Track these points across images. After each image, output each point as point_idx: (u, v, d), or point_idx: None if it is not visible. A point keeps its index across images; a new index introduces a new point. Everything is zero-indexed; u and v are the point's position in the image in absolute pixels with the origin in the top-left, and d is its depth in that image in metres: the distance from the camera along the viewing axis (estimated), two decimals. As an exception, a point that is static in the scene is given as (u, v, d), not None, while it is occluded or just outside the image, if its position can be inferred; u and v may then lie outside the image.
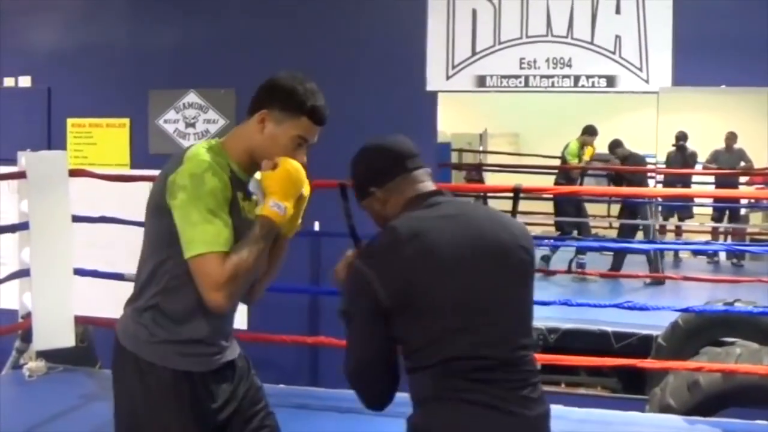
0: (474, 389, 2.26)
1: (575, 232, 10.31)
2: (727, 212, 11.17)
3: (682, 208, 11.30)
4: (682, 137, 10.82)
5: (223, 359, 2.76)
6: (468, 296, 2.29)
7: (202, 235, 2.52)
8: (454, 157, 12.97)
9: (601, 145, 10.82)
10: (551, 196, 8.95)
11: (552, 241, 9.21)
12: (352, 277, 2.35)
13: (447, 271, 2.28)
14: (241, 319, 6.79)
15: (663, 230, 10.93)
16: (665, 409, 5.11)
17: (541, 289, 8.26)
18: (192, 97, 7.25)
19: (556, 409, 4.97)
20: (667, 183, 10.50)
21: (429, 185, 2.51)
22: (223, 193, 2.57)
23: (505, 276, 2.36)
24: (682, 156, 10.94)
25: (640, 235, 10.06)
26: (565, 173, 10.80)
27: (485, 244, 2.34)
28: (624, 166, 10.48)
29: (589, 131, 10.67)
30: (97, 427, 4.69)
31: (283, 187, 2.62)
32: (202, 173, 2.55)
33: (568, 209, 10.35)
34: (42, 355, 5.68)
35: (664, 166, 10.56)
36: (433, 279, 2.27)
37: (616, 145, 10.65)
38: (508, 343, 2.34)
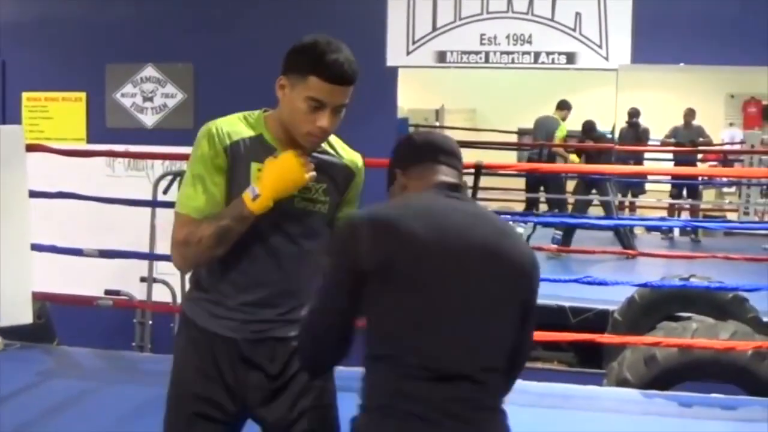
0: (429, 402, 2.11)
1: (556, 210, 10.34)
2: (685, 189, 11.28)
3: (636, 185, 11.42)
4: (634, 114, 10.90)
5: (264, 333, 2.62)
6: (454, 297, 2.14)
7: (180, 197, 2.59)
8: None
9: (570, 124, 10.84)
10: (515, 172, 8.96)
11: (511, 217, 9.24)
12: (346, 228, 2.25)
13: (448, 260, 2.14)
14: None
15: (620, 207, 11.02)
16: (622, 383, 5.15)
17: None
18: (150, 71, 7.20)
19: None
20: (619, 159, 10.51)
21: (453, 179, 2.34)
22: (213, 160, 2.54)
23: (499, 297, 2.20)
24: (634, 132, 11.04)
25: (596, 212, 10.12)
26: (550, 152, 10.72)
27: (494, 257, 2.19)
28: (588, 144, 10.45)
29: (566, 106, 10.61)
30: (55, 404, 4.66)
31: (269, 177, 2.52)
32: (200, 139, 2.57)
33: (553, 187, 10.31)
34: (3, 332, 5.63)
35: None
36: (429, 262, 2.13)
37: (590, 128, 10.63)
38: (478, 360, 2.17)
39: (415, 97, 12.65)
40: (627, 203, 11.53)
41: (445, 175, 2.34)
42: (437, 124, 13.38)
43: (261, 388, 2.63)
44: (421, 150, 2.40)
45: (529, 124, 11.21)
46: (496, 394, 2.25)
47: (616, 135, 10.23)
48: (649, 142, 11.72)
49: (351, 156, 2.80)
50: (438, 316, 2.14)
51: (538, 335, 5.64)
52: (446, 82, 12.20)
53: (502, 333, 2.22)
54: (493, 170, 6.00)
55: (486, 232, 2.21)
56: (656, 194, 11.66)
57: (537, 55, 6.16)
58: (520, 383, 4.95)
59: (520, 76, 7.95)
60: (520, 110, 11.08)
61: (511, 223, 2.58)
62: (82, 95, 7.40)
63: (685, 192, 11.33)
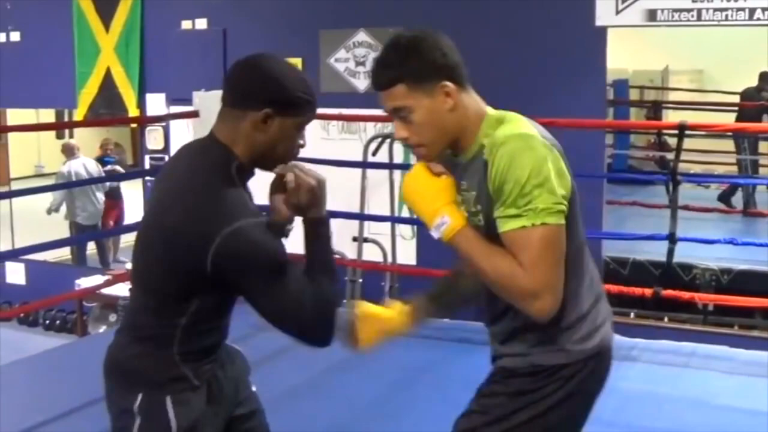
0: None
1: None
2: None
3: None
4: None
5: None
6: None
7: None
8: (634, 94, 12.71)
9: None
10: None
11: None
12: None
13: None
14: (409, 254, 6.96)
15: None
16: None
17: (713, 228, 7.99)
18: (362, 35, 7.33)
19: (721, 350, 4.92)
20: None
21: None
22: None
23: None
24: None
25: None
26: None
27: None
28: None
29: None
30: (266, 355, 4.86)
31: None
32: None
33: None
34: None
35: None
36: None
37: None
38: None
39: (638, 57, 12.37)
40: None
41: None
42: (662, 85, 13.05)
43: None
44: None
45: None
46: None
47: None
48: None
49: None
50: None
51: (755, 302, 5.47)
52: (672, 41, 11.85)
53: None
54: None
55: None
56: None
57: (752, 11, 5.86)
58: (725, 349, 4.84)
59: (748, 34, 7.61)
60: (753, 69, 10.54)
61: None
62: (298, 61, 7.60)
63: None
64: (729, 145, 10.06)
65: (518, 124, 2.18)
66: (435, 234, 2.19)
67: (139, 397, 2.23)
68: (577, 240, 2.22)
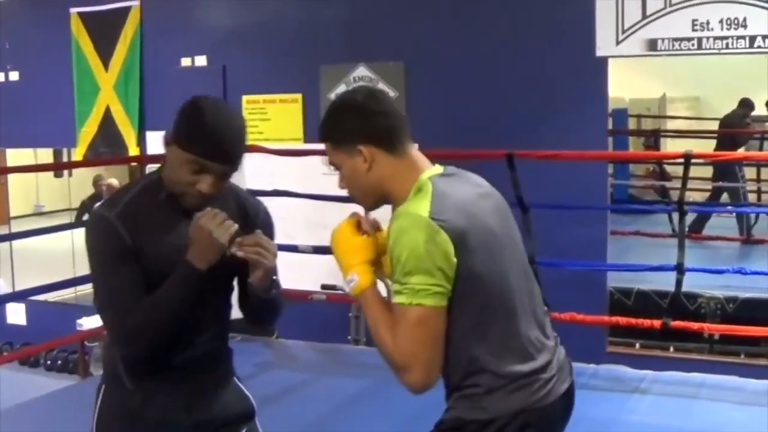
0: None
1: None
2: None
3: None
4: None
5: None
6: None
7: None
8: (632, 123, 12.72)
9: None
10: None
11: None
12: None
13: None
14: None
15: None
16: None
17: (713, 256, 7.95)
18: (362, 70, 7.34)
19: (731, 380, 4.89)
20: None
21: None
22: None
23: None
24: None
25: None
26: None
27: None
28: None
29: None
30: (275, 393, 4.84)
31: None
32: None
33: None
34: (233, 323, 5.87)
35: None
36: None
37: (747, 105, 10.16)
38: None
39: (635, 86, 12.39)
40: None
41: None
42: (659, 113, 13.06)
43: None
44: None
45: (757, 112, 10.72)
46: None
47: None
48: None
49: None
50: None
51: (762, 330, 5.44)
52: (668, 69, 11.88)
53: None
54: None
55: None
56: None
57: (752, 39, 5.87)
58: (735, 380, 4.81)
59: (746, 61, 7.64)
60: (748, 96, 10.57)
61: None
62: (299, 97, 7.63)
63: None
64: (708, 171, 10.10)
65: (422, 201, 2.21)
66: (346, 288, 2.35)
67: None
68: (480, 311, 2.25)
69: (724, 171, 9.61)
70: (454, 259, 2.16)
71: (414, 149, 2.37)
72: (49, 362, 9.06)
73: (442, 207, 2.20)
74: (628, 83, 11.61)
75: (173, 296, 2.35)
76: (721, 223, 9.60)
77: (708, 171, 10.06)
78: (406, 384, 2.20)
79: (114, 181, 10.29)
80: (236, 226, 2.36)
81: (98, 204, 2.39)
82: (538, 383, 2.31)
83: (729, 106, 10.80)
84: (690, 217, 9.04)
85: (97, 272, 2.39)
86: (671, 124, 13.18)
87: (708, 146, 10.28)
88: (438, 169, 2.36)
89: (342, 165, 2.34)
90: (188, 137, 2.34)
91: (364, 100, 2.34)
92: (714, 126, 11.31)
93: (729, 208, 9.80)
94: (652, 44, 6.17)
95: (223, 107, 2.43)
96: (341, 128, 2.34)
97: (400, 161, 2.32)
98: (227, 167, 2.37)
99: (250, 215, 2.56)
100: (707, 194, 10.43)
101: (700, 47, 6.02)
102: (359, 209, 2.43)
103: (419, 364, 2.18)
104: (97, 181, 10.96)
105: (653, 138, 11.70)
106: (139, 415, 2.48)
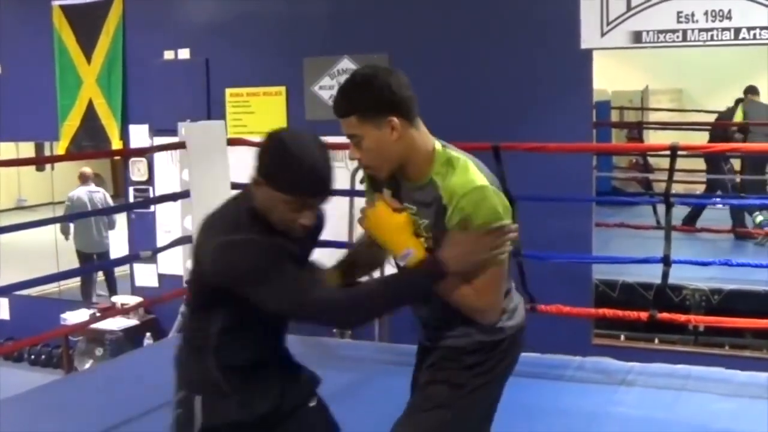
0: None
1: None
2: None
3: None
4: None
5: None
6: None
7: None
8: (615, 115, 12.74)
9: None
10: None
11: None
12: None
13: None
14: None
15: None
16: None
17: (700, 248, 7.98)
18: (346, 63, 7.31)
19: (717, 371, 4.90)
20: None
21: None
22: None
23: None
24: None
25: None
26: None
27: None
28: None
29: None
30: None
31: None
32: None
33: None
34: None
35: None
36: None
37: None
38: None
39: (618, 78, 12.39)
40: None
41: None
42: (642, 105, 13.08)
43: None
44: None
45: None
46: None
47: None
48: None
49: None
50: None
51: (746, 322, 5.48)
52: (651, 61, 11.90)
53: None
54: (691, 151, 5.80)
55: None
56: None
57: (737, 30, 5.87)
58: (722, 371, 4.83)
59: (726, 52, 7.64)
60: (730, 88, 10.58)
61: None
62: (282, 89, 7.61)
63: None
64: (699, 164, 10.12)
65: (470, 173, 2.54)
66: (401, 262, 2.58)
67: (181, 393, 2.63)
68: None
69: (716, 164, 9.62)
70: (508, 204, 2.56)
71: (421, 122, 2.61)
72: (33, 357, 9.01)
73: (485, 171, 2.57)
74: (611, 75, 11.60)
75: (410, 281, 2.55)
76: (717, 216, 9.62)
77: (693, 163, 10.07)
78: (483, 321, 2.62)
79: (87, 169, 10.25)
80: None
81: (225, 236, 2.45)
82: (521, 303, 2.79)
83: (711, 98, 10.81)
84: (685, 210, 9.16)
85: (268, 284, 2.41)
86: (654, 116, 13.19)
87: (691, 138, 10.29)
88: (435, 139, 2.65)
89: (366, 136, 2.51)
90: (285, 181, 2.42)
91: (386, 76, 2.52)
92: (697, 118, 11.34)
93: (717, 200, 9.77)
94: (637, 36, 6.16)
95: (306, 139, 2.52)
96: (369, 101, 2.49)
97: (418, 131, 2.57)
98: (325, 198, 2.52)
99: (320, 215, 2.67)
100: (691, 186, 10.47)
101: (685, 39, 6.02)
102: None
103: (498, 303, 2.64)
104: (82, 176, 10.90)
105: (637, 130, 11.71)
106: (244, 415, 2.60)
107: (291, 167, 2.41)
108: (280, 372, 2.72)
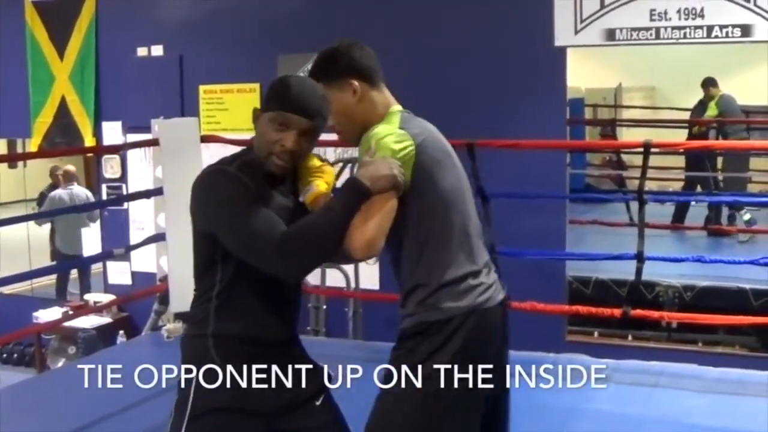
0: None
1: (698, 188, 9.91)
2: None
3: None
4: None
5: None
6: None
7: None
8: (588, 113, 12.79)
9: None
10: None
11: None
12: None
13: None
14: (373, 279, 6.90)
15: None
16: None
17: (672, 245, 8.01)
18: (320, 60, 7.28)
19: (691, 368, 4.92)
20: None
21: None
22: None
23: None
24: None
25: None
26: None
27: None
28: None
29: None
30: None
31: None
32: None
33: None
34: (180, 316, 5.84)
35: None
36: None
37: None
38: None
39: (591, 75, 12.46)
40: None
41: None
42: (615, 103, 13.13)
43: None
44: None
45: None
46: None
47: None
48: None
49: None
50: None
51: (719, 318, 5.51)
52: (624, 59, 11.96)
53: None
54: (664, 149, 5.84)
55: None
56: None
57: (710, 29, 5.90)
58: (695, 368, 4.85)
59: (698, 50, 7.69)
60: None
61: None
62: (256, 86, 7.58)
63: None
64: (679, 161, 10.15)
65: (391, 123, 2.66)
66: (302, 197, 2.67)
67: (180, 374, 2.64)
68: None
69: (696, 161, 9.67)
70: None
71: (386, 89, 2.77)
72: (5, 355, 8.95)
73: (408, 125, 2.66)
74: (584, 73, 11.66)
75: (340, 210, 2.50)
76: (694, 213, 9.65)
77: (667, 160, 10.13)
78: (353, 256, 2.57)
79: (71, 167, 10.17)
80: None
81: (208, 166, 2.62)
82: (481, 287, 2.66)
83: (684, 95, 10.85)
84: (661, 209, 9.19)
85: (232, 217, 2.49)
86: (627, 114, 13.26)
87: (664, 135, 10.35)
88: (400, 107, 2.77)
89: (333, 101, 2.66)
90: (272, 98, 2.59)
91: (348, 46, 2.75)
92: (670, 115, 11.40)
93: (692, 197, 9.81)
94: (611, 34, 6.19)
95: (304, 77, 2.67)
96: (333, 67, 2.71)
97: (379, 94, 2.74)
98: (307, 121, 2.55)
99: None
100: (665, 183, 10.52)
101: (658, 37, 6.05)
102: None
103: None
104: (54, 172, 10.79)
105: (610, 127, 11.76)
106: (238, 400, 2.58)
107: (280, 86, 2.59)
108: (279, 360, 2.65)
